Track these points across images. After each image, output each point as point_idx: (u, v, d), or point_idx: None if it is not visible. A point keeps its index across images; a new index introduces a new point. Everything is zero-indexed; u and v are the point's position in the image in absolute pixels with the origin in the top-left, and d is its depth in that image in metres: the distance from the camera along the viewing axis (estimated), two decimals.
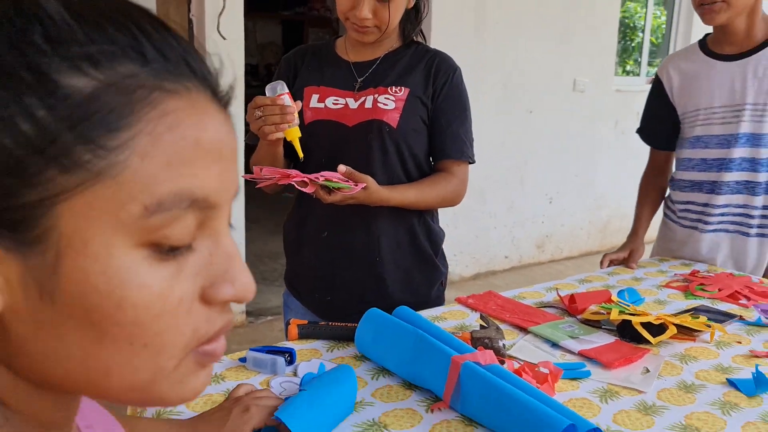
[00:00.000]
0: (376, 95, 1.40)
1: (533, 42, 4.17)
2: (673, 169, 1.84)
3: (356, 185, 1.25)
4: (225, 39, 3.01)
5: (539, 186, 4.40)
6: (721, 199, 1.69)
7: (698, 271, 1.67)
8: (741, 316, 1.40)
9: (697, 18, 5.17)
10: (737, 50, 1.63)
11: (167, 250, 0.36)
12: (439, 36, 3.75)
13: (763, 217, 1.66)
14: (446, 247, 4.24)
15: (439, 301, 1.53)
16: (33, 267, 0.33)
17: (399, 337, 1.07)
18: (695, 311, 1.41)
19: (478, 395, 0.94)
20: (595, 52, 4.54)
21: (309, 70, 1.47)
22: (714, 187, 1.69)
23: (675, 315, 1.31)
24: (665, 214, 1.87)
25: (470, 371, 0.95)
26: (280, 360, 1.05)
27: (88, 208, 0.33)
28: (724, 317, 1.39)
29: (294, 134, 1.26)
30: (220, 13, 2.98)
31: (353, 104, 1.40)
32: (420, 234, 1.48)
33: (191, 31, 3.10)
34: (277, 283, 3.98)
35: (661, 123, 1.77)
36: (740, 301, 1.49)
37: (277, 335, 3.25)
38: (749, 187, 1.66)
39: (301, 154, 1.29)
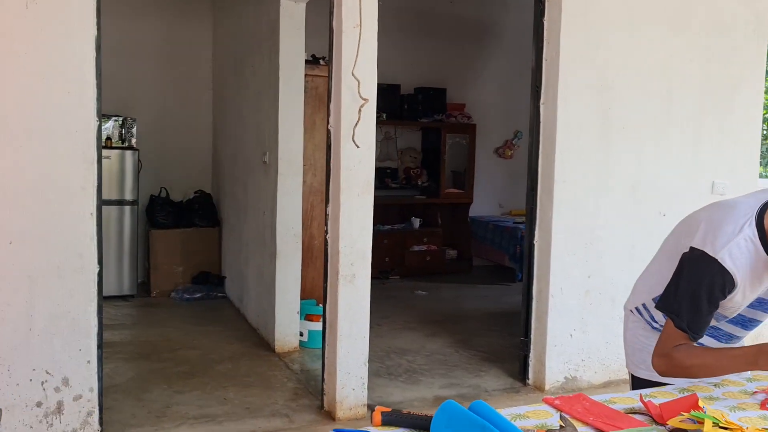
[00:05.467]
0: None
1: (664, 144, 4.13)
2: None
3: None
4: (358, 147, 3.30)
5: None
6: None
7: None
8: None
9: None
10: None
11: None
12: (564, 142, 3.84)
13: None
14: (575, 353, 4.27)
15: None
16: None
17: (468, 427, 1.14)
18: None
19: None
20: (737, 152, 4.38)
21: None
22: None
23: None
24: None
25: None
26: None
27: None
28: None
29: None
30: (356, 125, 3.29)
31: None
32: None
33: (329, 140, 3.44)
34: (401, 379, 4.06)
35: None
36: None
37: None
38: None
39: None
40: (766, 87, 4.72)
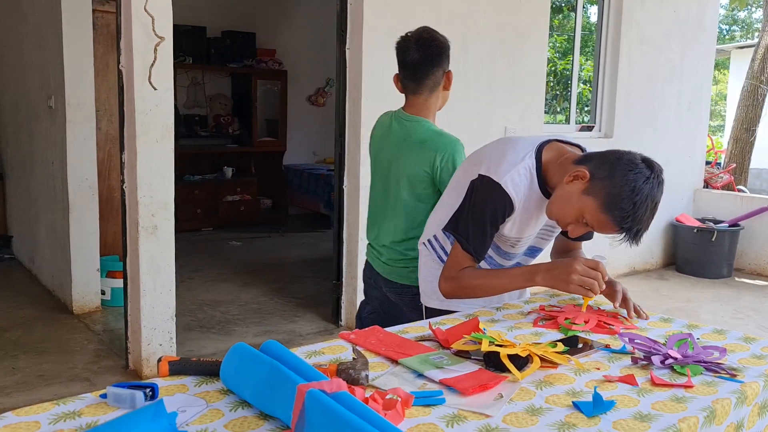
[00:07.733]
0: None
1: (461, 90, 4.33)
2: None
3: None
4: (156, 89, 3.07)
5: None
6: None
7: (544, 307, 1.75)
8: (608, 344, 1.48)
9: (622, 68, 5.39)
10: None
11: None
12: (371, 88, 3.89)
13: None
14: None
15: None
16: None
17: (256, 368, 1.12)
18: (568, 341, 1.48)
19: (319, 422, 0.98)
20: (524, 100, 4.74)
21: None
22: None
23: (539, 344, 1.38)
24: None
25: (313, 399, 1.00)
26: (139, 394, 1.09)
27: None
28: (593, 346, 1.47)
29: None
30: (152, 65, 3.05)
31: None
32: None
33: (121, 82, 3.16)
34: (213, 330, 3.96)
35: None
36: (611, 327, 1.59)
37: None
38: None
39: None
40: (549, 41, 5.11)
